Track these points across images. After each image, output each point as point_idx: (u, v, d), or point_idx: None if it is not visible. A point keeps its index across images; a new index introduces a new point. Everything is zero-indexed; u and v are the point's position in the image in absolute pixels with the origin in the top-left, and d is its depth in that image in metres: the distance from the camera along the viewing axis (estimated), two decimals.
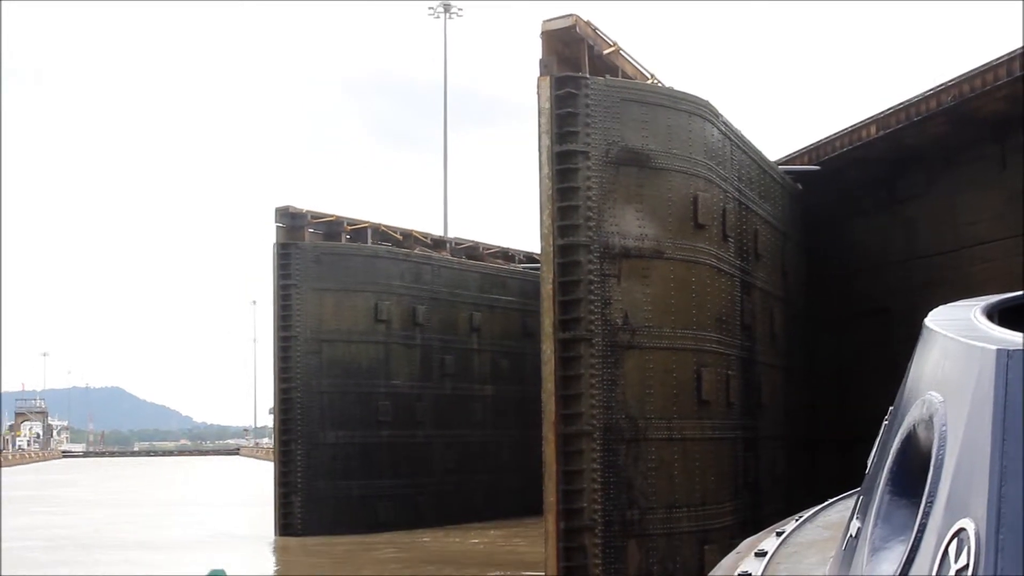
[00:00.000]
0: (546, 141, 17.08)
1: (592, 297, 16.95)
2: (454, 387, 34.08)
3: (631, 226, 17.48)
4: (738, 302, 20.26)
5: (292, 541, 28.85)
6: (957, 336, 2.78)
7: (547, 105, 17.05)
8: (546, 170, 17.08)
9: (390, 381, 31.73)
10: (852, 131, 23.92)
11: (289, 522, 29.78)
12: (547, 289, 17.09)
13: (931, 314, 3.27)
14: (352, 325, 30.89)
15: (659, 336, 17.63)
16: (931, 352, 3.00)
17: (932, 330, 3.06)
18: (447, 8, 68.21)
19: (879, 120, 23.00)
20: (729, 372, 19.42)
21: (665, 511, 17.41)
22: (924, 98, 21.58)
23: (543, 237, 17.21)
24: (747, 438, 20.34)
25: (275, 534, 29.73)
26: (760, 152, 22.67)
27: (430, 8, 68.31)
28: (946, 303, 3.50)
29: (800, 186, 25.81)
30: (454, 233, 40.32)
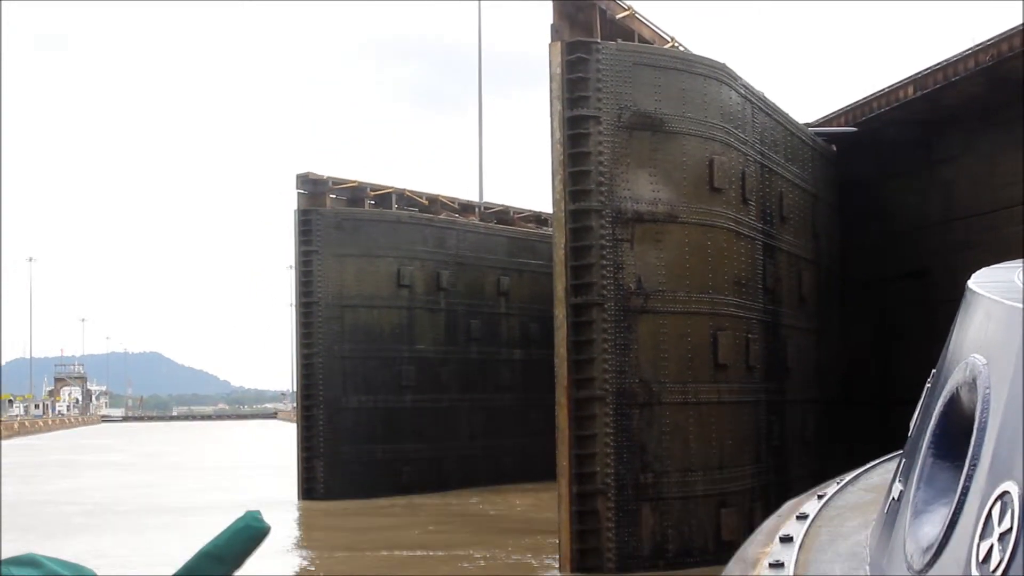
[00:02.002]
0: (557, 106, 17.07)
1: (604, 262, 16.96)
2: (480, 351, 34.13)
3: (644, 190, 17.45)
4: (760, 265, 20.17)
5: (313, 505, 29.11)
6: (1001, 298, 2.80)
7: (558, 70, 17.02)
8: (557, 135, 17.08)
9: (414, 346, 31.84)
10: (889, 92, 23.73)
11: (311, 486, 30.00)
12: (559, 254, 17.11)
13: (974, 276, 3.28)
14: (374, 291, 30.98)
15: (673, 300, 17.62)
16: (974, 315, 3.01)
17: (976, 292, 3.06)
18: None
19: (916, 80, 22.81)
20: (749, 335, 19.36)
21: (680, 475, 17.44)
22: (962, 58, 21.39)
23: (555, 202, 17.23)
24: (771, 401, 20.30)
25: (298, 498, 30.02)
26: (787, 115, 22.51)
27: None
28: (983, 265, 3.50)
29: (835, 148, 25.66)
30: (491, 198, 40.10)
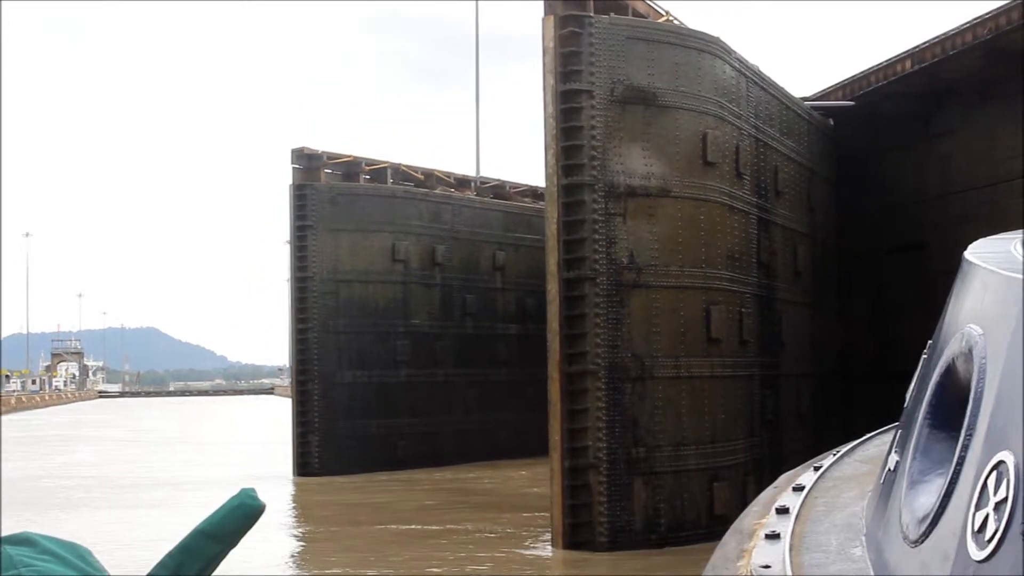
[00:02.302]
0: (550, 80, 17.04)
1: (596, 236, 16.95)
2: (476, 326, 34.13)
3: (637, 165, 17.42)
4: (754, 239, 20.16)
5: (308, 480, 29.16)
6: (997, 269, 2.79)
7: (551, 44, 16.99)
8: (550, 109, 17.05)
9: (408, 321, 31.85)
10: (887, 66, 23.70)
11: (307, 461, 30.05)
12: (551, 228, 17.10)
13: (971, 247, 3.27)
14: (369, 265, 30.97)
15: (666, 275, 17.61)
16: (971, 285, 3.00)
17: (972, 263, 3.05)
18: None
19: (914, 54, 22.77)
20: (743, 310, 19.37)
21: (672, 449, 17.46)
22: (960, 32, 21.36)
23: (547, 177, 17.21)
24: (765, 375, 20.31)
25: (293, 473, 30.05)
26: (782, 88, 22.46)
27: None
28: (981, 238, 3.49)
29: (832, 122, 25.61)
30: (489, 173, 40.06)
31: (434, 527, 21.39)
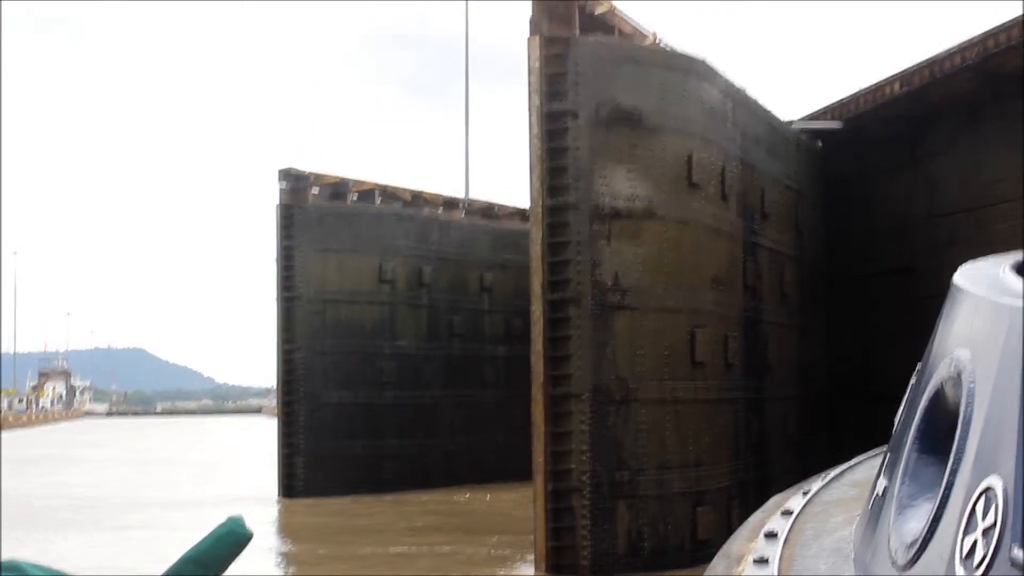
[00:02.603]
0: (535, 101, 17.02)
1: (581, 258, 16.92)
2: (464, 348, 34.09)
3: (622, 186, 17.40)
4: (740, 262, 20.16)
5: (293, 501, 29.07)
6: (986, 293, 2.77)
7: (536, 65, 16.98)
8: (535, 130, 17.03)
9: (395, 342, 31.81)
10: (875, 88, 23.72)
11: (292, 483, 29.98)
12: (535, 250, 17.07)
13: (959, 270, 3.23)
14: (356, 286, 30.96)
15: (651, 297, 17.57)
16: (959, 309, 2.98)
17: (960, 287, 3.03)
18: None
19: (903, 77, 22.80)
20: (728, 332, 19.34)
21: (656, 472, 17.40)
22: (949, 55, 21.37)
23: (532, 199, 17.18)
24: (751, 398, 20.28)
25: (278, 494, 29.96)
26: (769, 111, 22.49)
27: None
28: (970, 260, 3.47)
29: (820, 144, 25.66)
30: (479, 193, 40.12)
31: (417, 549, 21.32)
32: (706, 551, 17.92)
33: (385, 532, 23.51)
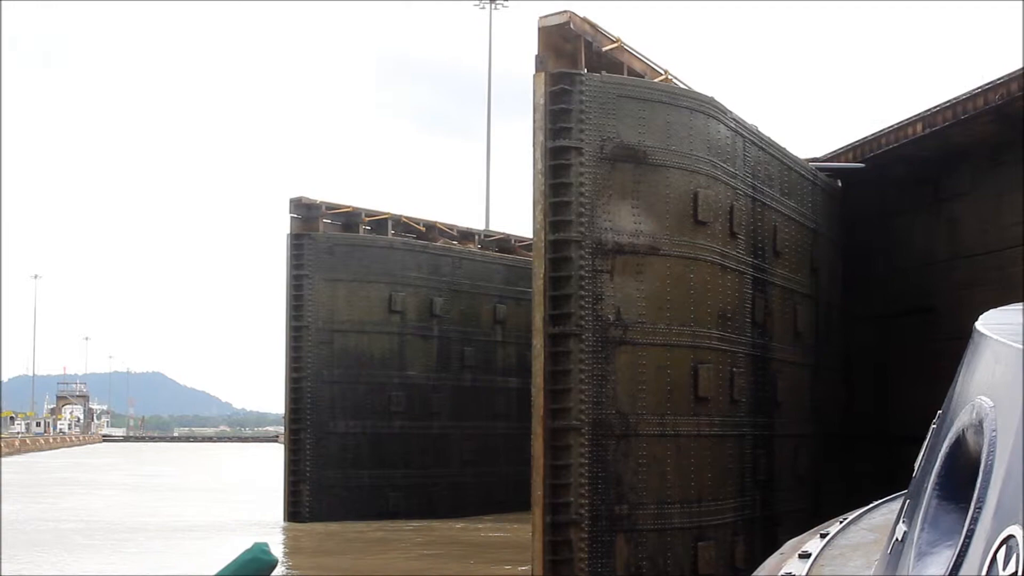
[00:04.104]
0: (540, 137, 17.14)
1: (583, 293, 16.99)
2: (475, 379, 34.13)
3: (626, 222, 17.49)
4: (748, 299, 20.16)
5: (298, 527, 29.13)
6: (1009, 341, 2.77)
7: (541, 101, 17.10)
8: (540, 166, 17.14)
9: (404, 372, 31.91)
10: (898, 128, 23.71)
11: (297, 509, 30.08)
12: (538, 284, 17.17)
13: (981, 318, 3.25)
14: (365, 316, 31.11)
15: (653, 332, 17.63)
16: (982, 356, 2.99)
17: (983, 334, 3.04)
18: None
19: (925, 118, 22.78)
20: (734, 369, 19.36)
21: (656, 507, 17.41)
22: (971, 96, 21.38)
23: (535, 232, 17.29)
24: (758, 435, 20.25)
25: (283, 521, 30.02)
26: (783, 149, 22.48)
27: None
28: (989, 303, 3.45)
29: (840, 183, 25.65)
30: (499, 225, 40.23)
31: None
32: None
33: (383, 560, 23.56)
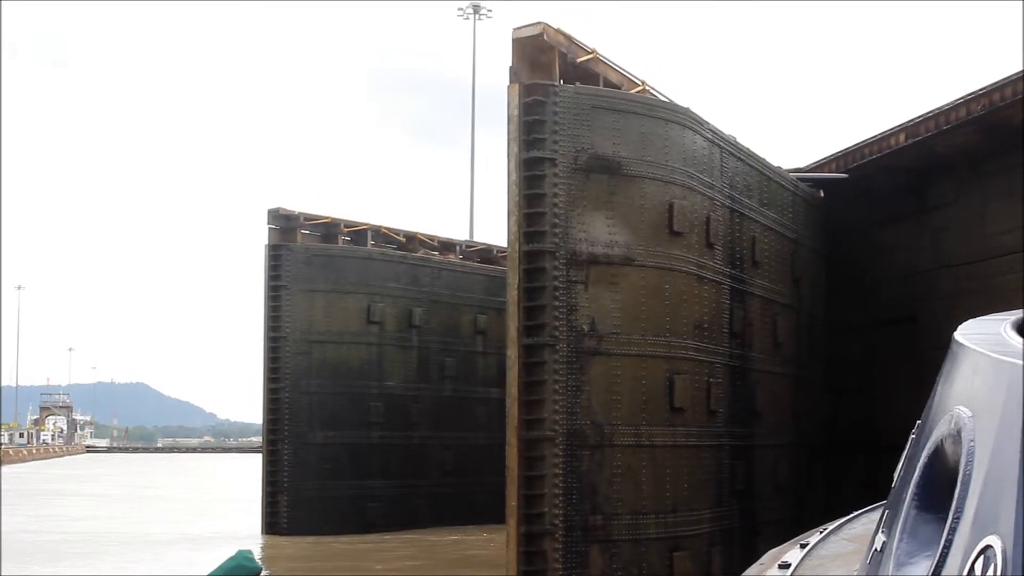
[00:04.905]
0: (514, 148, 17.17)
1: (557, 303, 17.02)
2: (455, 389, 34.10)
3: (600, 233, 17.52)
4: (726, 309, 20.19)
5: (275, 539, 29.06)
6: (987, 351, 2.78)
7: (516, 112, 17.14)
8: (514, 176, 17.18)
9: (383, 382, 31.88)
10: (881, 139, 23.78)
11: (275, 521, 30.02)
12: (512, 295, 17.19)
13: (960, 328, 3.26)
14: (343, 326, 31.09)
15: (628, 343, 17.65)
16: (960, 366, 2.99)
17: (962, 344, 3.04)
18: (476, 9, 68.06)
19: (908, 128, 22.85)
20: (711, 379, 19.38)
21: (631, 517, 17.43)
22: (954, 107, 21.45)
23: (509, 243, 17.32)
24: (736, 445, 20.27)
25: (261, 532, 29.96)
26: (763, 160, 22.53)
27: (459, 9, 68.32)
28: (973, 313, 3.44)
29: (822, 194, 25.70)
30: (484, 236, 40.17)
31: None
32: None
33: (360, 570, 23.53)
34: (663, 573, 17.77)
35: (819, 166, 25.94)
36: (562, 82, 17.89)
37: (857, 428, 24.85)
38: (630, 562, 17.39)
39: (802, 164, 26.16)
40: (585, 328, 17.22)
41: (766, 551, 5.36)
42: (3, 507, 41.19)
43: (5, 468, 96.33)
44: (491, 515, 32.42)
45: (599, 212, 17.57)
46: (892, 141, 23.45)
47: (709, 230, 19.51)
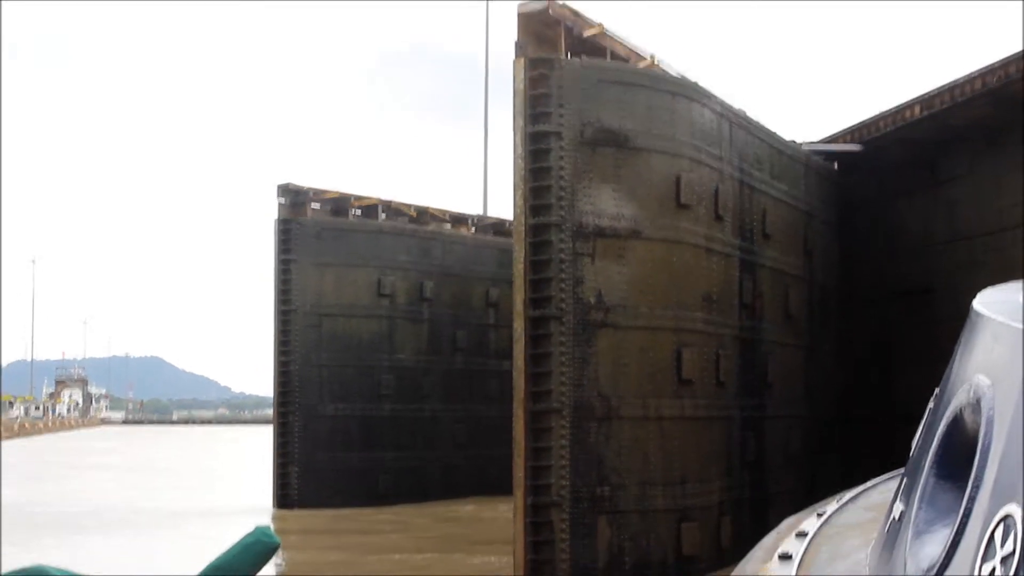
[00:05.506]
0: (520, 122, 17.19)
1: (563, 276, 17.08)
2: (467, 362, 34.22)
3: (607, 206, 17.56)
4: (735, 281, 20.23)
5: (286, 513, 29.24)
6: (1007, 319, 2.77)
7: (521, 86, 17.17)
8: (519, 151, 17.21)
9: (394, 355, 31.98)
10: (896, 112, 23.68)
11: (286, 493, 30.20)
12: (518, 268, 17.26)
13: (979, 296, 3.24)
14: (353, 300, 31.17)
15: (635, 315, 17.71)
16: (979, 335, 2.98)
17: (981, 313, 3.03)
18: None
19: (923, 101, 22.76)
20: (720, 351, 19.44)
21: (639, 489, 17.52)
22: (969, 79, 21.35)
23: (515, 217, 17.37)
24: (747, 417, 20.34)
25: (273, 505, 30.16)
26: (773, 132, 22.50)
27: None
28: (987, 284, 3.45)
29: (836, 166, 25.70)
30: (498, 211, 40.11)
31: (401, 557, 21.51)
32: (691, 567, 18.07)
33: (369, 541, 23.72)
34: (671, 544, 17.88)
35: (834, 139, 25.89)
36: (569, 56, 17.93)
37: (872, 400, 24.87)
38: (638, 533, 17.50)
39: (817, 137, 26.11)
40: (592, 301, 17.28)
41: (778, 522, 5.38)
42: (15, 481, 41.51)
43: (20, 441, 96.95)
44: (503, 487, 32.53)
45: (605, 185, 17.61)
46: (907, 114, 23.38)
47: (717, 202, 19.54)
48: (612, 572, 17.18)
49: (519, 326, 17.18)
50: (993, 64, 20.76)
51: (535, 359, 17.06)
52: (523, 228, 17.16)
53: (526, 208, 17.13)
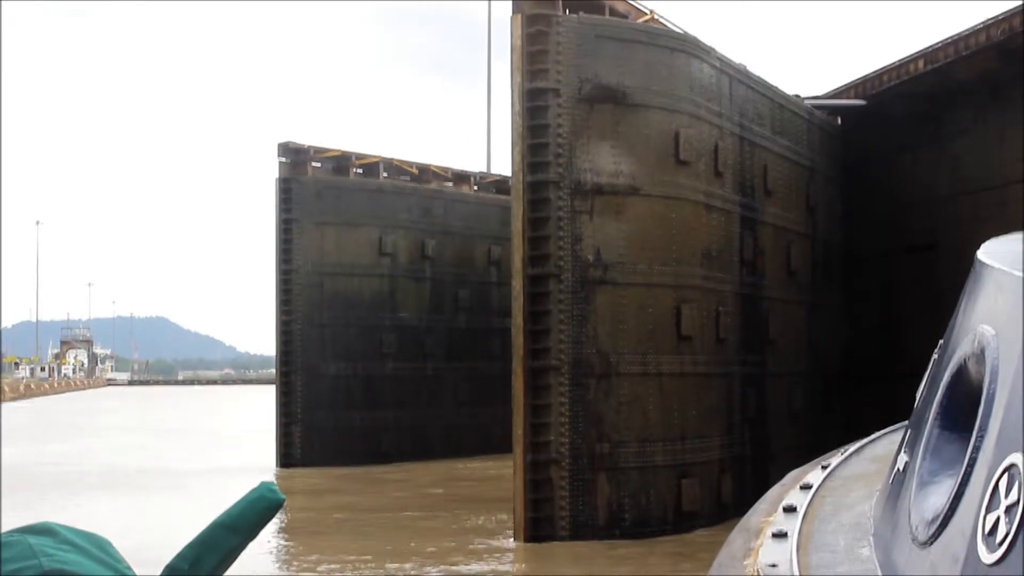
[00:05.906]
0: (517, 79, 17.15)
1: (562, 233, 17.09)
2: (469, 320, 34.19)
3: (605, 163, 17.53)
4: (736, 238, 20.20)
5: (290, 471, 29.32)
6: (1011, 269, 2.76)
7: (518, 43, 17.10)
8: (517, 107, 17.18)
9: (396, 314, 31.96)
10: (899, 66, 23.58)
11: (289, 451, 30.30)
12: (516, 225, 17.29)
13: (983, 247, 3.24)
14: (355, 259, 31.11)
15: (633, 272, 17.70)
16: (983, 286, 2.97)
17: (985, 263, 3.02)
18: None
19: (927, 55, 22.66)
20: (720, 308, 19.44)
21: (638, 445, 17.56)
22: (973, 32, 21.26)
23: (513, 174, 17.39)
24: (748, 373, 20.36)
25: (276, 465, 30.25)
26: (774, 88, 22.42)
27: None
28: (992, 239, 3.44)
29: (839, 121, 25.59)
30: (500, 169, 39.91)
31: (403, 515, 21.59)
32: (691, 523, 18.13)
33: (367, 500, 23.81)
34: (671, 500, 17.94)
35: (837, 94, 25.77)
36: (567, 12, 17.83)
37: (875, 356, 24.85)
38: (637, 489, 17.56)
39: (820, 92, 25.98)
40: (590, 258, 17.28)
41: (779, 478, 5.37)
42: (21, 441, 41.71)
43: (26, 402, 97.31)
44: (506, 445, 32.56)
45: (604, 142, 17.57)
46: (911, 68, 23.26)
47: (717, 158, 19.49)
48: (612, 529, 17.25)
49: (518, 284, 17.21)
50: (998, 16, 20.61)
51: (534, 317, 17.09)
52: (521, 186, 17.16)
53: (524, 165, 17.11)
